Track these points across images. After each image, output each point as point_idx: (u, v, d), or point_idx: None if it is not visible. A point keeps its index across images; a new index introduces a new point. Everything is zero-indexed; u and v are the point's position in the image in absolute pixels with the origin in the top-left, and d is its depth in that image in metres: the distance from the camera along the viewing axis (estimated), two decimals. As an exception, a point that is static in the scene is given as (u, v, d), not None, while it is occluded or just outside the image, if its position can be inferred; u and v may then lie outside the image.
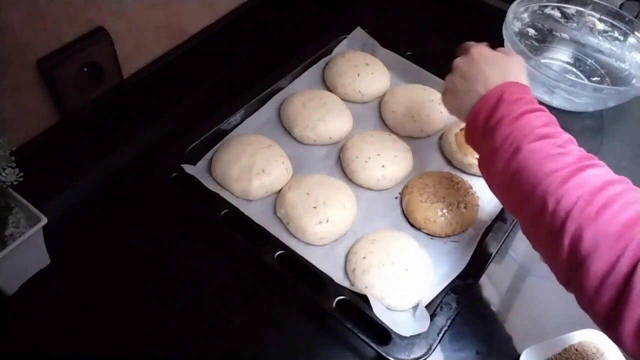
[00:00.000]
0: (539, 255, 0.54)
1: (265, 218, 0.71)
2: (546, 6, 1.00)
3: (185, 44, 0.82)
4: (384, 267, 0.65)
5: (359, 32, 0.94)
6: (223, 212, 0.69)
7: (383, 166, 0.76)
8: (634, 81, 0.93)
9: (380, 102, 0.88)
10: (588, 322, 0.50)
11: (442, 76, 0.87)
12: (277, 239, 0.67)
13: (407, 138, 0.83)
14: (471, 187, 0.76)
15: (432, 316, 0.63)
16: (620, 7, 0.99)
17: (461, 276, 0.67)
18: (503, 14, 0.91)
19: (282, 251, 0.66)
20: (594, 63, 1.00)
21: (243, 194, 0.72)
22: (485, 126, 0.58)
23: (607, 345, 0.64)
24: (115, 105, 0.75)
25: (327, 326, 0.65)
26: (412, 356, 0.59)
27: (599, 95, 0.86)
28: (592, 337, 0.65)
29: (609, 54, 0.98)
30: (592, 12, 0.98)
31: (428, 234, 0.73)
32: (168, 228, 0.72)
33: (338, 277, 0.66)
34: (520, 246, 0.74)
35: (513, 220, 0.72)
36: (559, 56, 1.01)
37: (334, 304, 0.62)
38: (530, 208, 0.52)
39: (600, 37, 0.99)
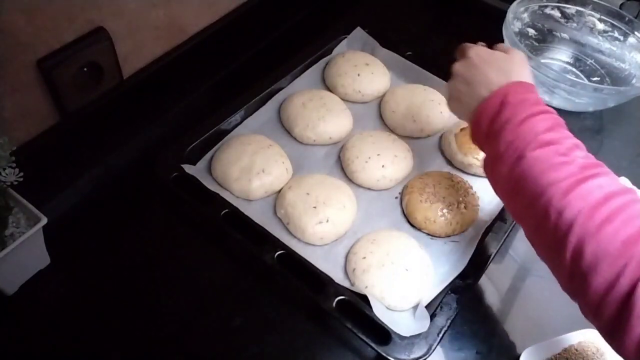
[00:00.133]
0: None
1: (265, 218, 0.71)
2: (546, 6, 1.00)
3: (185, 44, 0.82)
4: (384, 267, 0.65)
5: (359, 32, 0.94)
6: (223, 212, 0.69)
7: (383, 166, 0.76)
8: (634, 81, 0.93)
9: (380, 102, 0.88)
10: (588, 322, 0.50)
11: (442, 76, 0.88)
12: (277, 239, 0.67)
13: (407, 138, 0.83)
14: (471, 187, 0.76)
15: (432, 316, 0.63)
16: (620, 7, 0.99)
17: (461, 276, 0.67)
18: (503, 14, 0.91)
19: (282, 251, 0.66)
20: (594, 63, 1.00)
21: (243, 194, 0.72)
22: (490, 130, 0.57)
23: (607, 345, 0.63)
24: (115, 105, 0.75)
25: (327, 326, 0.65)
26: (412, 356, 0.59)
27: (599, 95, 0.86)
28: (592, 337, 0.65)
29: (609, 54, 0.98)
30: (592, 12, 0.98)
31: (428, 234, 0.73)
32: (168, 228, 0.72)
33: (338, 277, 0.66)
34: (520, 246, 0.74)
35: (513, 221, 0.72)
36: (559, 56, 1.01)
37: (334, 304, 0.62)
38: (533, 217, 0.52)
39: (600, 37, 0.99)
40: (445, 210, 0.72)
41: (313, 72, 0.90)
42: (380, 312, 0.62)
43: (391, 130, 0.84)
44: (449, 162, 0.81)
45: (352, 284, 0.66)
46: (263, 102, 0.83)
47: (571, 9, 0.99)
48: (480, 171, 0.78)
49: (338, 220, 0.69)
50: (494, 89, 0.58)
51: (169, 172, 0.72)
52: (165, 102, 0.84)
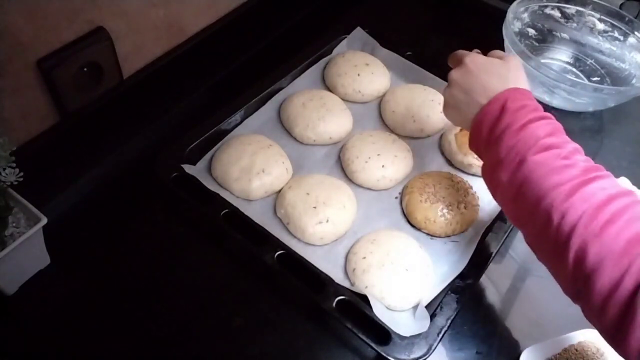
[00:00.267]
0: (539, 256, 0.55)
1: (265, 218, 0.71)
2: (546, 6, 1.00)
3: (185, 44, 0.82)
4: (384, 267, 0.65)
5: (359, 32, 0.94)
6: (223, 212, 0.69)
7: (383, 166, 0.76)
8: (634, 81, 0.93)
9: (380, 102, 0.88)
10: (588, 322, 0.50)
11: (442, 76, 0.88)
12: (277, 239, 0.67)
13: (407, 138, 0.83)
14: (471, 187, 0.76)
15: (432, 316, 0.63)
16: (620, 7, 0.99)
17: (461, 276, 0.67)
18: (503, 14, 0.90)
19: (282, 251, 0.66)
20: (594, 63, 1.00)
21: (243, 194, 0.72)
22: (490, 136, 0.57)
23: (607, 346, 0.63)
24: (115, 105, 0.75)
25: (327, 326, 0.65)
26: (412, 356, 0.59)
27: (599, 95, 0.86)
28: (592, 337, 0.65)
29: (609, 54, 0.98)
30: (592, 12, 0.98)
31: (428, 234, 0.73)
32: (168, 228, 0.72)
33: (338, 277, 0.66)
34: (520, 246, 0.74)
35: (513, 220, 0.72)
36: (559, 56, 1.01)
37: (334, 304, 0.62)
38: (535, 221, 0.52)
39: (600, 37, 0.99)
40: (445, 210, 0.72)
41: (313, 72, 0.90)
42: (380, 312, 0.62)
43: (391, 130, 0.84)
44: (449, 162, 0.81)
45: (352, 284, 0.66)
46: (263, 102, 0.83)
47: (571, 9, 0.99)
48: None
49: (338, 220, 0.69)
50: (492, 96, 0.58)
51: (169, 172, 0.72)
52: (165, 102, 0.84)
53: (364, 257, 0.66)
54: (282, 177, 0.74)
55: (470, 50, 0.66)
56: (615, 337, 0.46)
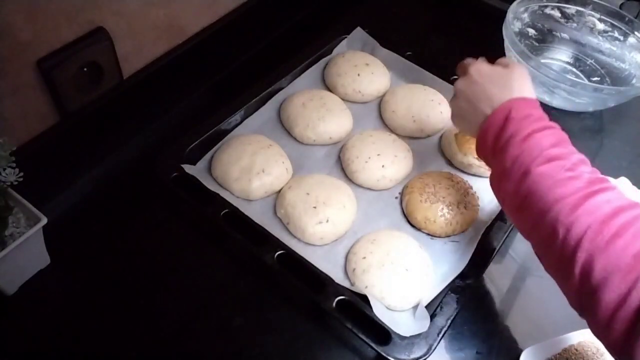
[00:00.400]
0: (539, 256, 0.55)
1: (265, 218, 0.71)
2: (546, 6, 1.00)
3: (185, 44, 0.82)
4: (384, 267, 0.65)
5: (359, 32, 0.94)
6: (223, 212, 0.69)
7: (383, 166, 0.76)
8: (634, 81, 0.93)
9: (380, 102, 0.88)
10: (588, 322, 0.50)
11: (442, 76, 0.88)
12: (277, 239, 0.67)
13: (407, 138, 0.83)
14: (471, 187, 0.76)
15: (432, 316, 0.63)
16: (620, 7, 0.99)
17: (461, 276, 0.67)
18: (503, 14, 0.91)
19: (282, 251, 0.66)
20: (594, 63, 1.00)
21: (243, 194, 0.72)
22: (495, 146, 0.57)
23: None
24: (115, 105, 0.75)
25: (327, 326, 0.65)
26: (412, 356, 0.59)
27: (599, 95, 0.86)
28: (592, 337, 0.64)
29: (609, 54, 0.98)
30: (592, 12, 0.98)
31: (428, 234, 0.73)
32: (168, 228, 0.72)
33: (338, 277, 0.66)
34: (520, 246, 0.74)
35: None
36: (559, 56, 1.01)
37: (334, 304, 0.62)
38: (541, 234, 0.51)
39: (600, 37, 0.99)
40: (445, 210, 0.72)
41: (313, 72, 0.90)
42: (380, 312, 0.62)
43: (391, 130, 0.84)
44: (449, 162, 0.81)
45: (352, 284, 0.66)
46: (263, 102, 0.83)
47: (571, 9, 0.99)
48: (481, 171, 0.78)
49: (338, 220, 0.69)
50: (497, 106, 0.58)
51: (169, 172, 0.72)
52: (165, 102, 0.84)
53: (364, 257, 0.66)
54: (282, 177, 0.74)
55: (473, 53, 0.66)
56: (622, 352, 0.46)
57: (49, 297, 0.65)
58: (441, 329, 0.61)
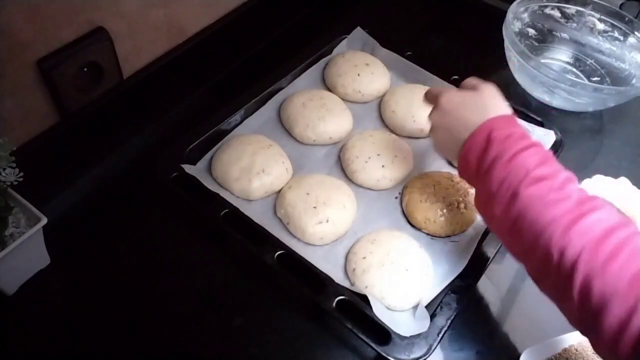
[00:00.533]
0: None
1: (265, 218, 0.71)
2: (546, 6, 1.00)
3: (185, 44, 0.82)
4: (384, 267, 0.65)
5: (359, 32, 0.94)
6: (223, 212, 0.69)
7: (383, 166, 0.76)
8: (634, 81, 0.93)
9: (380, 102, 0.88)
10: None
11: (442, 76, 0.88)
12: (277, 239, 0.67)
13: (407, 138, 0.83)
14: (471, 187, 0.76)
15: (432, 316, 0.63)
16: (620, 7, 0.99)
17: (461, 276, 0.67)
18: (503, 14, 0.91)
19: (282, 251, 0.66)
20: (594, 63, 1.00)
21: (243, 194, 0.72)
22: (479, 168, 0.56)
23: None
24: (115, 106, 0.75)
25: (327, 326, 0.65)
26: (412, 356, 0.59)
27: (599, 95, 0.86)
28: (592, 337, 0.65)
29: (609, 54, 0.98)
30: (592, 12, 0.98)
31: (428, 234, 0.73)
32: (168, 228, 0.72)
33: (338, 277, 0.66)
34: (520, 246, 0.74)
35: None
36: (559, 56, 1.01)
37: (334, 304, 0.62)
38: (535, 256, 0.51)
39: (600, 37, 0.99)
40: (445, 210, 0.72)
41: (313, 72, 0.90)
42: (380, 312, 0.62)
43: (391, 130, 0.84)
44: (449, 162, 0.81)
45: (352, 284, 0.66)
46: (263, 102, 0.83)
47: (571, 9, 0.99)
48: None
49: (338, 220, 0.69)
50: (473, 129, 0.57)
51: (169, 172, 0.72)
52: (165, 102, 0.84)
53: (364, 257, 0.66)
54: (282, 177, 0.74)
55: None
56: None
57: (49, 297, 0.65)
58: (441, 329, 0.61)
